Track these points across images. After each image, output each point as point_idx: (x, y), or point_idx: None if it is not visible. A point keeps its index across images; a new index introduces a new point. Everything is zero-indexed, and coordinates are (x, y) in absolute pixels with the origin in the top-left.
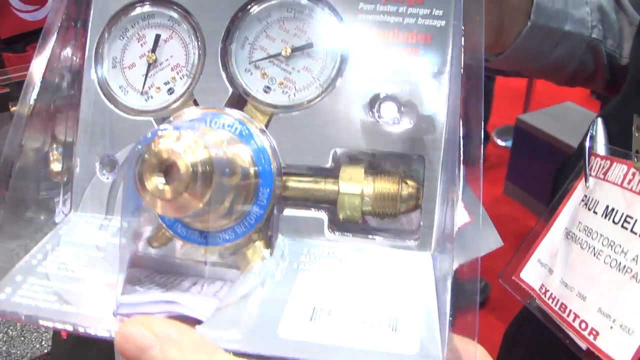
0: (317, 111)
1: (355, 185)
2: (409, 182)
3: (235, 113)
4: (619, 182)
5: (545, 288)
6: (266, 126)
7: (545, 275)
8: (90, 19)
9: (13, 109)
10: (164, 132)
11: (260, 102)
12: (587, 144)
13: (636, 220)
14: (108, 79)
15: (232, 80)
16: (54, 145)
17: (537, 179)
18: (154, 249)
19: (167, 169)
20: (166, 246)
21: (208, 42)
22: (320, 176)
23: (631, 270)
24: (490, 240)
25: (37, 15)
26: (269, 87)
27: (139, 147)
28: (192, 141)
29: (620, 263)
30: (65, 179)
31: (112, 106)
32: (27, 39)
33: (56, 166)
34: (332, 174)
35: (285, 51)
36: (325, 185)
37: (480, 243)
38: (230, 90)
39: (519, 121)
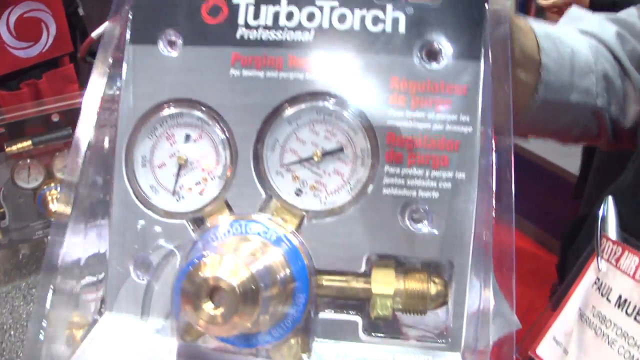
0: (350, 218)
1: (388, 287)
2: (436, 280)
3: (265, 218)
4: (632, 274)
5: None
6: (297, 228)
7: (560, 354)
8: (119, 120)
9: (8, 149)
10: (207, 260)
11: (291, 206)
12: (599, 224)
13: None
14: (138, 178)
15: (264, 183)
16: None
17: (526, 199)
18: (186, 342)
19: (213, 291)
20: (196, 341)
21: (240, 145)
22: (352, 275)
23: None
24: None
25: (31, 52)
26: (300, 190)
27: (186, 268)
28: (234, 264)
29: (634, 356)
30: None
31: (143, 207)
32: (22, 76)
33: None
34: (363, 273)
35: (317, 155)
36: (357, 284)
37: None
38: (264, 195)
39: None
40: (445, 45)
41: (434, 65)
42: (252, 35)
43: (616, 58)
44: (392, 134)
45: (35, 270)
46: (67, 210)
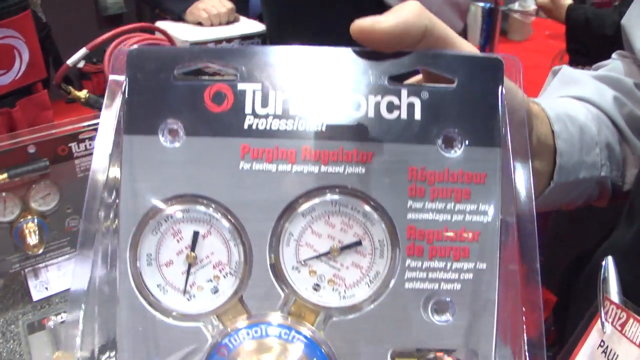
0: (372, 314)
1: None
2: None
3: (283, 319)
4: (637, 342)
5: None
6: (316, 324)
7: None
8: (121, 218)
9: None
10: None
11: (310, 303)
12: (601, 286)
13: None
14: (144, 278)
15: (280, 280)
16: None
17: None
18: None
19: None
20: None
21: (253, 241)
22: None
23: None
24: None
25: (4, 80)
26: (318, 285)
27: None
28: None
29: None
30: None
31: (152, 309)
32: None
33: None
34: None
35: (335, 250)
36: None
37: None
38: (281, 292)
39: None
40: (462, 132)
41: (452, 153)
42: (261, 124)
43: (615, 124)
44: (413, 226)
45: (12, 305)
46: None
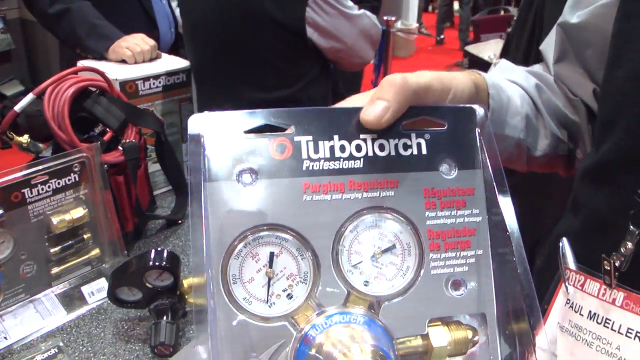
0: (411, 296)
1: (443, 340)
2: (469, 328)
3: (343, 308)
4: (595, 294)
5: None
6: (369, 309)
7: (549, 357)
8: (210, 246)
9: None
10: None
11: (363, 295)
12: (560, 259)
13: (614, 322)
14: (233, 293)
15: (342, 281)
16: None
17: None
18: None
19: None
20: None
21: (319, 254)
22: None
23: (616, 355)
24: None
25: None
26: (367, 282)
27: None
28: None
29: (608, 350)
30: None
31: (243, 316)
32: None
33: None
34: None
35: (377, 253)
36: (421, 342)
37: None
38: (346, 291)
39: None
40: (454, 161)
41: (450, 176)
42: (316, 166)
43: (534, 103)
44: (431, 229)
45: None
46: None
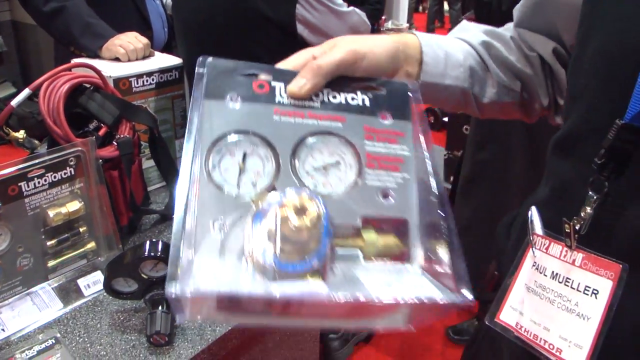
0: (349, 197)
1: (373, 238)
2: (395, 236)
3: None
4: (558, 256)
5: (520, 325)
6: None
7: (518, 316)
8: (200, 141)
9: None
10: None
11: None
12: (529, 226)
13: (573, 281)
14: (212, 175)
15: (297, 180)
16: None
17: None
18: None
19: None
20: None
21: (282, 157)
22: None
23: (575, 311)
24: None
25: None
26: (316, 185)
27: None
28: (308, 197)
29: (568, 307)
30: None
31: (218, 191)
32: None
33: None
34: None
35: (324, 167)
36: (355, 240)
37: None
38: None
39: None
40: (390, 113)
41: (386, 123)
42: (284, 101)
43: (481, 58)
44: (369, 153)
45: None
46: None
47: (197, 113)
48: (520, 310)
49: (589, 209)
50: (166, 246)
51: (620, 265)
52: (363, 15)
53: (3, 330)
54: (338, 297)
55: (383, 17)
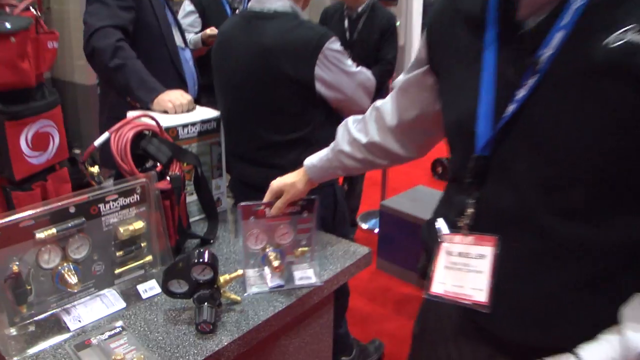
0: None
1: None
2: None
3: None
4: (459, 242)
5: (445, 290)
6: None
7: (443, 286)
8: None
9: (38, 236)
10: None
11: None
12: (439, 232)
13: (470, 253)
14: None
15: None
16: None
17: (404, 251)
18: None
19: None
20: None
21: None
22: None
23: (474, 270)
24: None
25: (41, 159)
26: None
27: None
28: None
29: (470, 269)
30: None
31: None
32: (32, 179)
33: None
34: None
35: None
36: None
37: None
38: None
39: (383, 206)
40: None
41: (305, 215)
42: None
43: (344, 153)
44: (299, 229)
45: (51, 335)
46: None
47: None
48: (443, 282)
49: (470, 209)
50: (212, 254)
51: (495, 237)
52: (369, 73)
53: (79, 321)
54: None
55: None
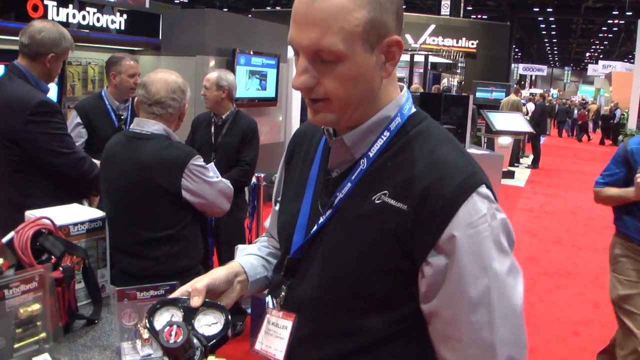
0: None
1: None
2: None
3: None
4: (275, 315)
5: (262, 348)
6: None
7: (260, 345)
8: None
9: None
10: None
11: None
12: (266, 306)
13: (278, 324)
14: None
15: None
16: None
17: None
18: None
19: None
20: None
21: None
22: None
23: (279, 336)
24: None
25: None
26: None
27: None
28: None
29: (276, 335)
30: None
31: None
32: None
33: None
34: None
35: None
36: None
37: None
38: None
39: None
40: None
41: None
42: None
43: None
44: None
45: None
46: None
47: None
48: (261, 342)
49: (282, 293)
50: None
51: (294, 315)
52: (227, 182)
53: None
54: None
55: (262, 175)
